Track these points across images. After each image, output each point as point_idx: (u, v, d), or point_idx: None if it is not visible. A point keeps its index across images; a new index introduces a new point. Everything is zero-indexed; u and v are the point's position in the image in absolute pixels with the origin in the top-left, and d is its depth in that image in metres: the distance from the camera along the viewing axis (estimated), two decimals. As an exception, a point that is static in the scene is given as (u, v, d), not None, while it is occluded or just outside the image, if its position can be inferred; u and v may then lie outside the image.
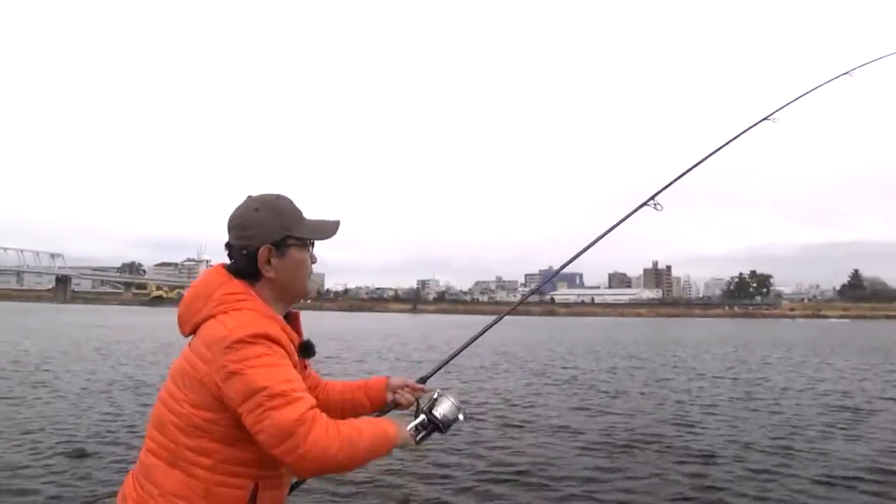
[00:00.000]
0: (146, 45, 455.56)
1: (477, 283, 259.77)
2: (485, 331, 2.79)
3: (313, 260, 2.13)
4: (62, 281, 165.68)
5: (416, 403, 2.33)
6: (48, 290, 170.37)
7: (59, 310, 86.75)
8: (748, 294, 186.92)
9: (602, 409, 12.64)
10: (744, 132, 3.77)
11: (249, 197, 2.08)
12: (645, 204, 3.28)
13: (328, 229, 2.15)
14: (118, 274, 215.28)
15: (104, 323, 46.64)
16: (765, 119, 3.87)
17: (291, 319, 2.11)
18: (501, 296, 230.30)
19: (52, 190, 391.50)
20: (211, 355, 1.83)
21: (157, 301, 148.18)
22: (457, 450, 9.04)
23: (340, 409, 2.28)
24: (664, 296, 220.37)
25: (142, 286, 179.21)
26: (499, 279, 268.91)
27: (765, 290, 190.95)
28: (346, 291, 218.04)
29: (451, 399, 2.26)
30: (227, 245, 2.05)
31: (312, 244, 2.12)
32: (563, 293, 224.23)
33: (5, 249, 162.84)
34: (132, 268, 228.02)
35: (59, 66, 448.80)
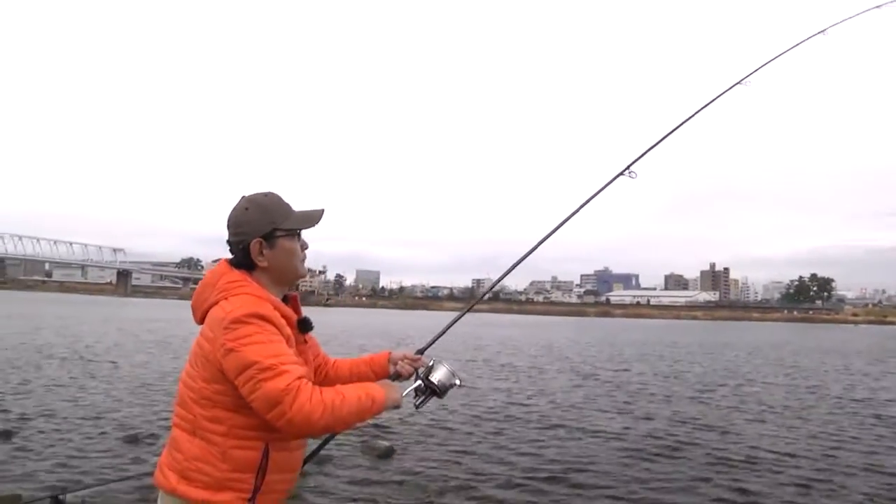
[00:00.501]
0: (201, 47, 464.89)
1: (532, 283, 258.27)
2: (463, 314, 3.18)
3: (304, 247, 2.42)
4: (123, 275, 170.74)
5: (415, 372, 2.59)
6: (110, 284, 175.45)
7: (120, 303, 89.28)
8: (808, 298, 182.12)
9: (646, 414, 12.40)
10: (716, 98, 3.84)
11: (242, 197, 2.37)
12: (620, 174, 3.42)
13: (312, 218, 2.42)
14: (177, 269, 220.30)
15: (162, 316, 47.76)
16: (737, 83, 3.93)
17: (290, 301, 2.40)
18: (556, 296, 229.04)
19: (116, 187, 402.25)
20: (213, 335, 2.15)
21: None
22: (499, 447, 9.10)
23: (350, 382, 2.45)
24: (721, 298, 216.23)
25: (199, 282, 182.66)
26: (554, 279, 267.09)
27: (826, 294, 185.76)
28: (401, 289, 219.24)
29: (446, 366, 2.53)
30: (228, 242, 2.36)
31: (300, 233, 2.40)
32: (618, 294, 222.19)
33: (71, 244, 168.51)
34: (190, 263, 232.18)
35: (120, 69, 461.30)
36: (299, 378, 2.06)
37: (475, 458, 8.56)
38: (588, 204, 3.43)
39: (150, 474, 2.52)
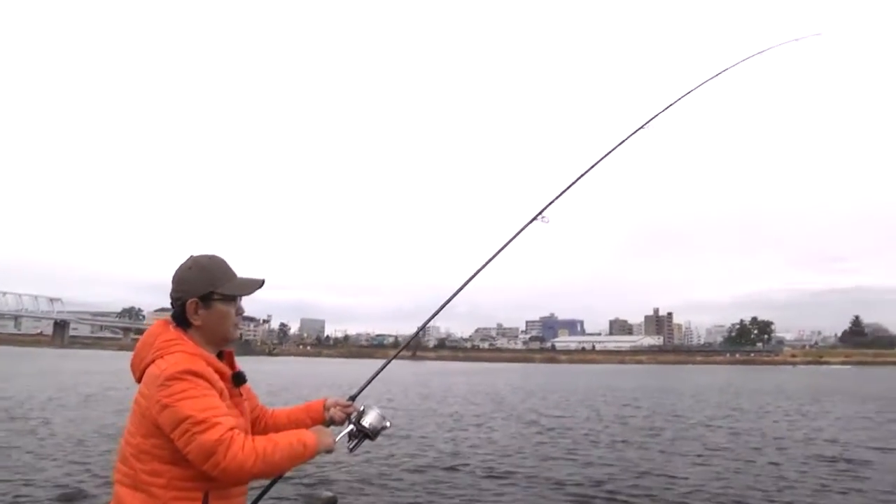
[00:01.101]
0: (144, 86, 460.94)
1: (478, 330, 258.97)
2: (387, 364, 3.29)
3: (239, 312, 2.54)
4: (60, 326, 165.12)
5: (347, 418, 2.76)
6: (46, 335, 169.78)
7: (57, 355, 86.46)
8: (750, 341, 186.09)
9: (590, 460, 12.28)
10: (620, 144, 4.07)
11: (190, 257, 2.52)
12: (534, 219, 3.64)
13: (250, 286, 2.55)
14: (117, 319, 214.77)
15: (100, 369, 46.45)
16: (640, 129, 4.18)
17: (225, 356, 2.53)
18: (502, 342, 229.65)
19: (51, 233, 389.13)
20: (149, 392, 2.24)
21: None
22: (442, 496, 9.03)
23: (287, 429, 2.58)
24: (665, 343, 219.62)
25: (140, 332, 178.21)
26: (499, 326, 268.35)
27: (766, 336, 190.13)
28: (346, 338, 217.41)
29: (376, 410, 2.72)
30: (170, 296, 2.48)
31: (238, 299, 2.53)
32: (564, 340, 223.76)
33: (3, 294, 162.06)
34: (131, 312, 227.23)
35: (56, 109, 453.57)
36: (231, 429, 2.18)
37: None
38: (505, 249, 3.59)
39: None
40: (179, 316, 2.44)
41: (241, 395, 2.52)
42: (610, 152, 4.02)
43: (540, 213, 3.66)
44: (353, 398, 2.91)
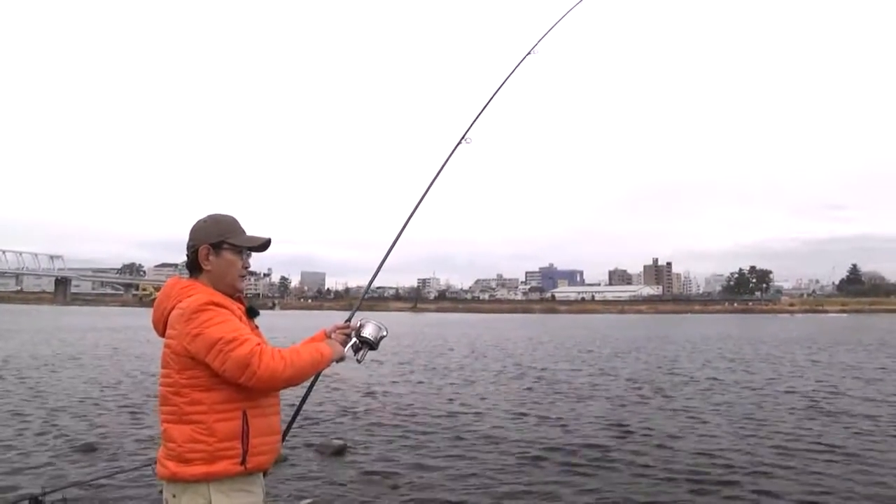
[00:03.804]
0: (145, 46, 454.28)
1: (478, 282, 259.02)
2: (358, 305, 3.62)
3: (246, 265, 2.85)
4: (62, 283, 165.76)
5: (348, 336, 3.04)
6: (48, 293, 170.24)
7: (58, 312, 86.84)
8: (748, 290, 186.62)
9: (558, 416, 11.56)
10: (516, 67, 4.56)
11: (208, 214, 2.85)
12: (459, 143, 4.06)
13: (257, 241, 2.86)
14: (118, 275, 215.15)
15: (103, 325, 46.75)
16: (528, 54, 4.64)
17: (235, 300, 2.80)
18: (502, 293, 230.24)
19: (51, 191, 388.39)
20: (177, 330, 2.55)
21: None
22: (453, 442, 9.23)
23: None
24: (664, 292, 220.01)
25: (142, 287, 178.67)
26: (500, 277, 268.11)
27: (764, 285, 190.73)
28: (347, 290, 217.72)
29: (373, 322, 3.08)
30: (187, 246, 2.79)
31: (248, 253, 2.86)
32: (563, 290, 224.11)
33: (3, 252, 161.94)
34: (132, 269, 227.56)
35: (58, 68, 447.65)
36: (259, 344, 2.52)
37: (428, 454, 8.67)
38: (437, 179, 4.01)
39: (120, 472, 2.73)
40: (192, 263, 2.76)
41: (256, 327, 2.82)
42: (510, 75, 4.46)
43: (463, 136, 4.06)
44: (347, 320, 3.18)
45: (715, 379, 16.95)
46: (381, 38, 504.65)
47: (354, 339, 3.02)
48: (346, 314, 3.28)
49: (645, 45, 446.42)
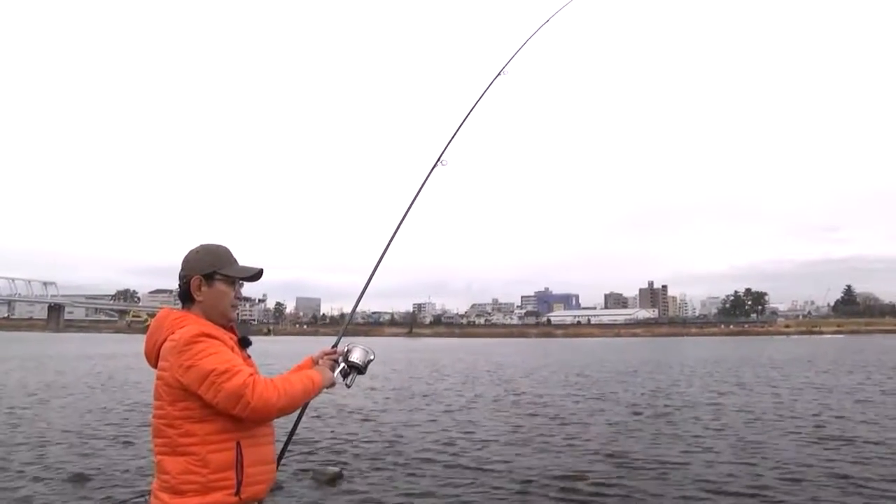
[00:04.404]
0: (134, 75, 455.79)
1: (473, 306, 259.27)
2: (343, 332, 3.69)
3: (238, 296, 2.87)
4: (55, 309, 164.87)
5: (336, 361, 3.08)
6: (40, 319, 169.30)
7: (51, 339, 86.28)
8: (744, 312, 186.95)
9: (556, 444, 11.42)
10: (487, 88, 4.60)
11: (200, 244, 2.86)
12: (435, 165, 4.10)
13: (249, 271, 2.89)
14: (112, 302, 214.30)
15: (96, 352, 46.37)
16: (498, 75, 4.67)
17: (228, 329, 2.81)
18: (498, 318, 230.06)
19: (45, 216, 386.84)
20: (170, 362, 2.54)
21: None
22: (449, 468, 9.09)
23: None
24: (660, 315, 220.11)
25: (136, 314, 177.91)
26: (495, 301, 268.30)
27: (760, 307, 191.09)
28: (341, 316, 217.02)
29: (360, 347, 3.11)
30: (179, 276, 2.81)
31: (241, 283, 2.88)
32: (559, 314, 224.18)
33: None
34: (126, 295, 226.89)
35: (52, 98, 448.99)
36: (251, 374, 2.52)
37: (424, 482, 8.54)
38: (415, 203, 4.05)
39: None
40: (185, 293, 2.77)
41: (249, 356, 2.84)
42: (482, 96, 4.52)
43: (439, 158, 4.11)
44: (334, 346, 3.24)
45: (716, 404, 16.74)
46: (366, 60, 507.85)
47: (343, 365, 3.06)
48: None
49: (639, 69, 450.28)
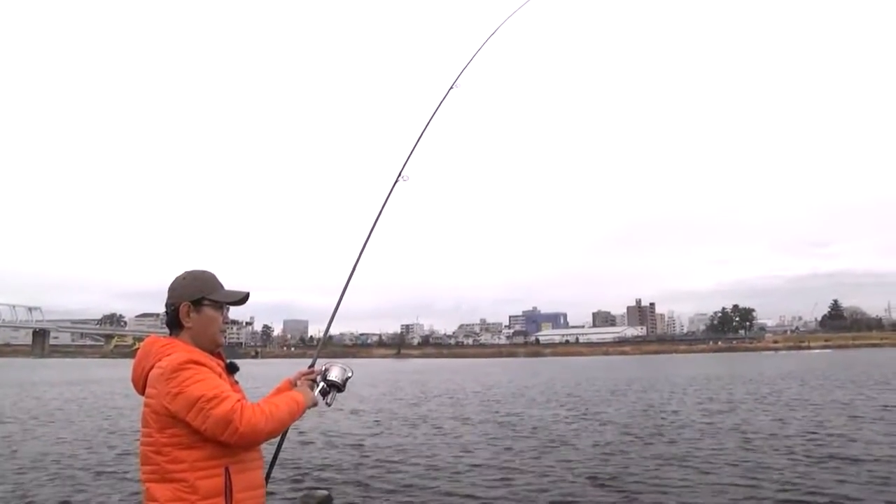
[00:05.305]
0: (119, 99, 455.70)
1: (461, 327, 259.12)
2: (318, 354, 3.55)
3: (226, 320, 2.89)
4: (39, 335, 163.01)
5: (314, 381, 3.11)
6: (25, 345, 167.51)
7: (36, 365, 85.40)
8: (732, 328, 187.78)
9: (545, 467, 11.34)
10: (440, 104, 4.63)
11: (185, 271, 2.87)
12: (396, 181, 4.15)
13: (236, 296, 2.93)
14: (98, 326, 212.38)
15: (80, 378, 45.83)
16: (451, 89, 4.70)
17: (214, 355, 2.81)
18: (486, 338, 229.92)
19: (30, 240, 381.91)
20: (157, 390, 2.53)
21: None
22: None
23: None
24: (648, 333, 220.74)
25: (123, 336, 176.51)
26: (483, 321, 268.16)
27: (748, 323, 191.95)
28: (330, 338, 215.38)
29: (337, 365, 3.16)
30: (165, 304, 2.82)
31: (228, 308, 2.90)
32: (547, 333, 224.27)
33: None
34: (113, 319, 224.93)
35: (38, 121, 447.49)
36: (239, 401, 2.53)
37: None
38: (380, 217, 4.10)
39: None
40: (172, 320, 2.78)
41: (236, 382, 2.84)
42: (436, 111, 4.54)
43: (399, 173, 4.15)
44: (311, 366, 3.29)
45: (710, 423, 16.55)
46: (345, 70, 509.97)
47: (322, 384, 3.08)
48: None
49: (627, 88, 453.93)
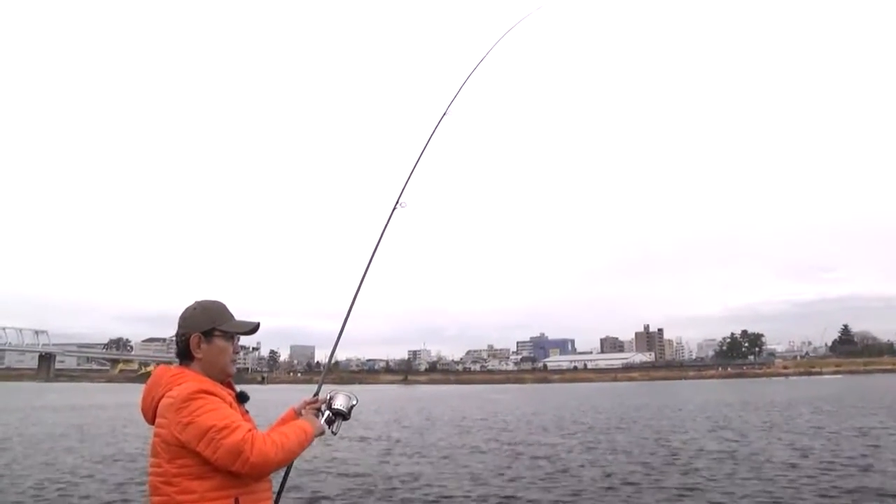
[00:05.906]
0: (121, 115, 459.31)
1: (468, 353, 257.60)
2: (322, 381, 3.52)
3: (236, 350, 2.91)
4: (46, 359, 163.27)
5: (319, 410, 3.12)
6: (30, 369, 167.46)
7: (41, 389, 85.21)
8: (741, 354, 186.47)
9: (553, 499, 11.13)
10: (434, 129, 4.59)
11: (195, 301, 2.90)
12: (395, 208, 4.14)
13: (246, 326, 2.93)
14: (104, 350, 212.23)
15: (85, 403, 45.56)
16: (443, 116, 4.63)
17: (224, 384, 2.84)
18: (494, 364, 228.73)
19: (36, 264, 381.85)
20: (167, 419, 2.54)
21: (146, 377, 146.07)
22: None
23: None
24: (657, 359, 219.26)
25: (129, 362, 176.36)
26: (490, 347, 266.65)
27: (757, 349, 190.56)
28: (336, 364, 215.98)
29: (342, 393, 3.16)
30: (175, 335, 2.84)
31: (238, 337, 2.92)
32: (555, 359, 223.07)
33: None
34: (119, 343, 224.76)
35: (44, 139, 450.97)
36: (250, 430, 2.54)
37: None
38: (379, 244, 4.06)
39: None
40: (183, 351, 2.79)
41: (247, 412, 2.86)
42: (430, 139, 4.52)
43: (398, 200, 4.15)
44: (315, 394, 3.25)
45: (725, 451, 16.16)
46: (350, 91, 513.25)
47: (327, 412, 3.08)
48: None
49: (630, 112, 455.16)
